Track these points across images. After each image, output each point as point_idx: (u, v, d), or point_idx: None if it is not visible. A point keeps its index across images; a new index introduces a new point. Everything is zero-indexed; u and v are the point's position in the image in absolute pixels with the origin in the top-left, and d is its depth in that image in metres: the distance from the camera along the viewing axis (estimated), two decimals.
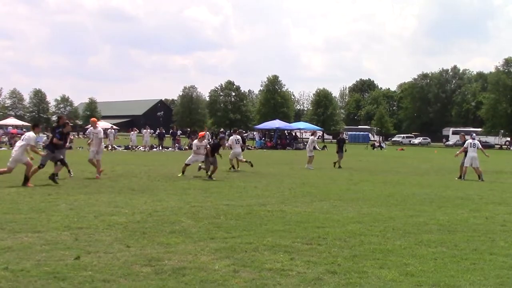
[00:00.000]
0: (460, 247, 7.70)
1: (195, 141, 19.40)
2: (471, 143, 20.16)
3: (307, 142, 58.52)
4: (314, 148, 26.67)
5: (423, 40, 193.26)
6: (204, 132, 23.72)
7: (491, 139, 79.95)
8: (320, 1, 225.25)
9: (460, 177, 19.87)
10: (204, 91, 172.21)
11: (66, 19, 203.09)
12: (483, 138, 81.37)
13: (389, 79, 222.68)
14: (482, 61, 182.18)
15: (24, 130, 64.73)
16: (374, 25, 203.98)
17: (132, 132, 42.62)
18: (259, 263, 6.45)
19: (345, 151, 26.82)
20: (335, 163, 25.53)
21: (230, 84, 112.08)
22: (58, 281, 5.57)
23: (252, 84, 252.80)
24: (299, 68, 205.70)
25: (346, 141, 29.25)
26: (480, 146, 20.59)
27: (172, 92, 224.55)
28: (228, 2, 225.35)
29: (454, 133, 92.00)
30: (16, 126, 65.35)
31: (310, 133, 28.67)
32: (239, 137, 22.97)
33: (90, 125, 20.85)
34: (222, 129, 25.95)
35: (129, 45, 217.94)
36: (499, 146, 75.26)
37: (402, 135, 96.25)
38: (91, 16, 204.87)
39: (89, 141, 19.24)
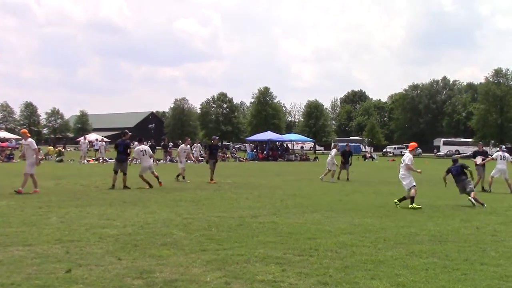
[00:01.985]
0: (451, 257, 7.73)
1: (409, 153, 14.97)
2: (500, 155, 20.22)
3: (298, 153, 59.02)
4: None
5: (412, 50, 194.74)
6: (415, 144, 16.63)
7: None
8: (309, 12, 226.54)
9: (483, 189, 19.91)
10: (195, 103, 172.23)
11: (55, 31, 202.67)
12: (475, 148, 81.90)
13: (379, 89, 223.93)
14: (470, 71, 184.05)
15: (16, 142, 64.52)
16: (363, 35, 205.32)
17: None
18: (250, 274, 6.45)
19: (350, 164, 26.09)
20: (339, 175, 25.26)
21: (222, 95, 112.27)
22: None
23: (242, 95, 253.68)
24: (289, 78, 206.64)
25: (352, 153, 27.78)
26: (511, 159, 20.57)
27: (163, 104, 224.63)
28: (216, 14, 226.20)
29: (445, 143, 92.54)
30: (7, 139, 64.98)
31: (332, 146, 26.77)
32: (146, 147, 19.37)
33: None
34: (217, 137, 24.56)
35: (119, 57, 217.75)
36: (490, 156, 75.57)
37: (393, 146, 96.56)
38: (80, 28, 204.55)
39: (20, 154, 19.35)
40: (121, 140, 18.79)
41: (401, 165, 14.82)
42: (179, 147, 24.14)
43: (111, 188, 17.23)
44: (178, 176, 22.28)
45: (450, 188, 15.99)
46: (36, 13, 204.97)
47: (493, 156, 20.82)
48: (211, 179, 21.35)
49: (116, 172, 17.97)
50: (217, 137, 26.34)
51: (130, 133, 19.90)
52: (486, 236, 9.70)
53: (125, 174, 17.92)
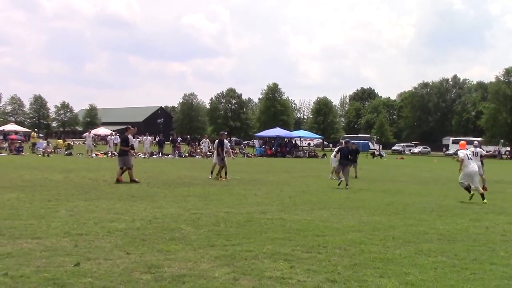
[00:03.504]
0: (460, 256, 7.68)
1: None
2: (473, 151, 20.17)
3: (307, 150, 58.96)
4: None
5: (421, 49, 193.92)
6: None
7: (491, 149, 79.91)
8: (318, 9, 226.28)
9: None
10: (203, 98, 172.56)
11: (64, 25, 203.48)
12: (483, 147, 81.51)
13: (387, 87, 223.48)
14: (479, 70, 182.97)
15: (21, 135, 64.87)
16: (371, 33, 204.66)
17: (133, 139, 42.51)
18: (259, 271, 6.44)
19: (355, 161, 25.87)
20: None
21: (231, 91, 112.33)
22: (57, 287, 5.56)
23: (250, 91, 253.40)
24: (297, 76, 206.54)
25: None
26: (484, 153, 20.72)
27: (171, 99, 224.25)
28: (225, 10, 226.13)
29: (454, 142, 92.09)
30: (15, 132, 65.32)
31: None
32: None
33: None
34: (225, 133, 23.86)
35: (127, 52, 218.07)
36: (500, 155, 75.23)
37: (402, 144, 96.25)
38: (88, 23, 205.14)
39: None
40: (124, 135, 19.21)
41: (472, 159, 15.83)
42: (215, 142, 22.81)
43: (115, 183, 17.39)
44: (225, 174, 21.18)
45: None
46: (45, 7, 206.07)
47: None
48: (220, 176, 20.80)
49: (121, 168, 18.05)
50: (226, 132, 26.02)
51: (132, 128, 19.52)
52: (496, 236, 9.64)
53: (129, 168, 17.97)
